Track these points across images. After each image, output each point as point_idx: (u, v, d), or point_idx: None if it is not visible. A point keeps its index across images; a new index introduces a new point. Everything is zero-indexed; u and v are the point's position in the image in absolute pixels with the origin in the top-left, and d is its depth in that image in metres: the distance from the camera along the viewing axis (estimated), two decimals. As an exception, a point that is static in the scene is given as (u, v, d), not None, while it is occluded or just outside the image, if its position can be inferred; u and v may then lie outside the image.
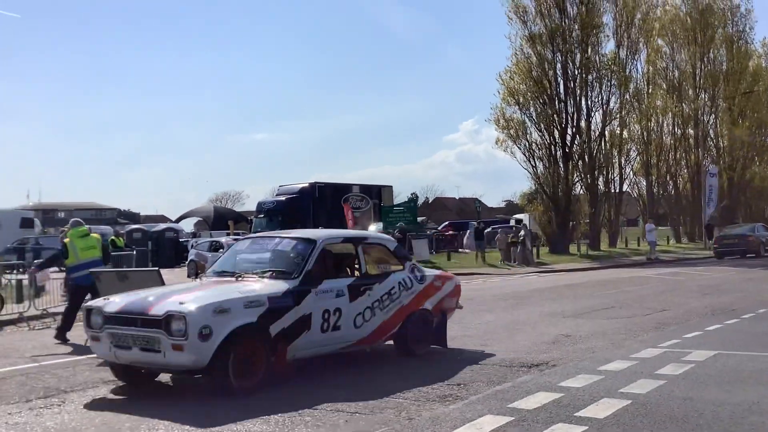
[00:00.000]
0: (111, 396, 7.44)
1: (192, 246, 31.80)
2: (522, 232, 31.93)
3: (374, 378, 8.03)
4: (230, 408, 6.71)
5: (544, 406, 6.52)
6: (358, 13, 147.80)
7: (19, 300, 16.56)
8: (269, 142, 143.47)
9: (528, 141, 38.26)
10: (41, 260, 13.33)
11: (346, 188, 40.00)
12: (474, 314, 14.01)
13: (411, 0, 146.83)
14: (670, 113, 47.89)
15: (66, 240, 12.14)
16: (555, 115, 38.18)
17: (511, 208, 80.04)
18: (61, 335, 11.46)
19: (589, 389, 7.15)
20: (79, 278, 11.70)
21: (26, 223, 44.83)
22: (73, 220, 12.69)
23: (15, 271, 21.13)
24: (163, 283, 10.35)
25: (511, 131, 38.05)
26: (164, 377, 8.23)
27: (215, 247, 28.87)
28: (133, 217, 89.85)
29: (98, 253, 12.12)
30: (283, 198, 38.11)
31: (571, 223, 39.12)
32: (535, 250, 33.98)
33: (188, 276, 28.72)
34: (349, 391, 7.39)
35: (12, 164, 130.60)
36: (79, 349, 10.39)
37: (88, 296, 11.21)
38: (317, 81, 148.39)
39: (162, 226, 45.56)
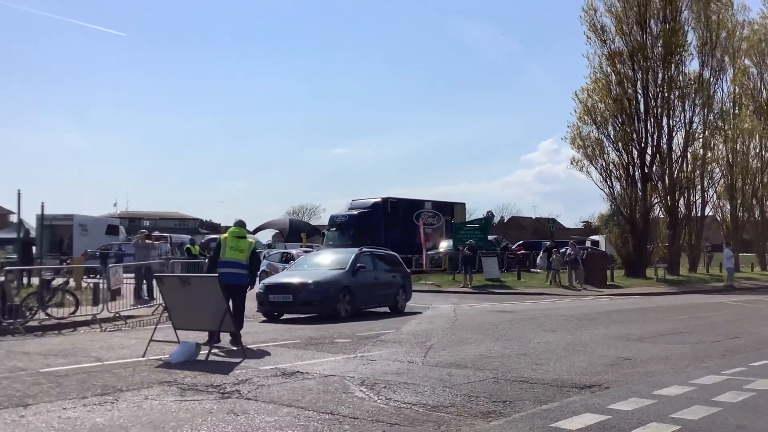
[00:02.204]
0: (163, 396, 7.65)
1: (264, 257, 32.39)
2: (570, 251, 31.07)
3: (421, 391, 8.00)
4: (265, 413, 6.82)
5: (587, 428, 6.37)
6: (440, 32, 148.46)
7: (95, 302, 17.26)
8: (348, 157, 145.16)
9: (605, 161, 37.51)
10: (208, 264, 13.09)
11: (418, 204, 40.03)
12: (535, 333, 13.85)
13: (493, 19, 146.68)
14: (757, 135, 45.95)
15: (223, 236, 12.42)
16: (634, 135, 37.30)
17: (589, 229, 78.52)
18: (236, 341, 11.36)
19: (638, 413, 6.94)
20: (221, 275, 11.61)
21: (112, 230, 46.71)
22: (237, 220, 12.88)
23: (98, 276, 22.05)
24: (221, 290, 10.64)
25: (588, 150, 37.37)
26: (215, 380, 8.44)
27: (286, 258, 29.37)
28: (214, 228, 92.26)
29: (243, 257, 12.14)
30: (356, 212, 38.39)
31: (648, 246, 38.00)
32: (609, 273, 33.16)
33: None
34: (394, 403, 7.40)
35: (102, 173, 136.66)
36: (142, 351, 10.71)
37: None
38: (398, 98, 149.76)
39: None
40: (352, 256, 18.40)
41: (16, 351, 11.18)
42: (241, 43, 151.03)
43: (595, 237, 52.02)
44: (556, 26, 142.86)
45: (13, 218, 41.15)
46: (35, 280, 18.28)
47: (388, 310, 18.71)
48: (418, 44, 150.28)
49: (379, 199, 38.82)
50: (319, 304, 16.75)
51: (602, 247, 43.78)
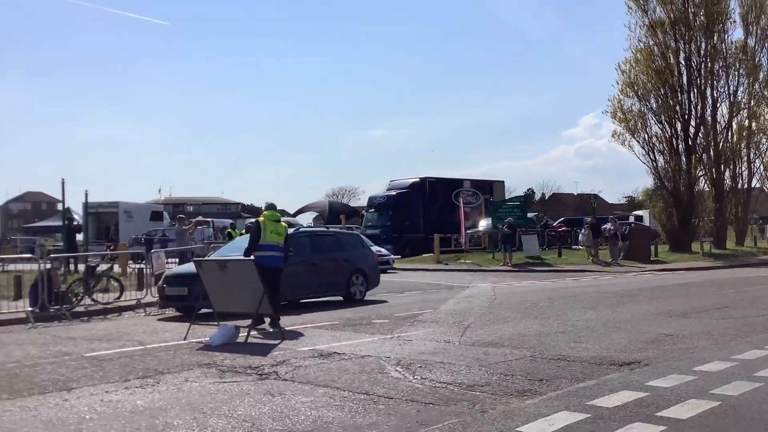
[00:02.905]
0: (203, 378, 7.78)
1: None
2: (610, 226, 30.63)
3: (457, 370, 8.00)
4: (301, 394, 6.90)
5: (624, 405, 6.29)
6: (477, 9, 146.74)
7: (140, 287, 17.62)
8: (388, 138, 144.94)
9: (647, 134, 36.74)
10: (248, 246, 12.83)
11: (457, 183, 39.84)
12: (575, 311, 13.72)
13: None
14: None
15: (261, 219, 12.49)
16: (677, 107, 36.48)
17: (632, 204, 77.38)
18: (274, 323, 11.45)
19: (677, 389, 6.84)
20: (261, 258, 11.75)
21: (156, 216, 47.40)
22: (268, 203, 13.01)
23: (143, 261, 22.52)
24: (259, 272, 10.76)
25: (630, 124, 36.66)
26: (253, 362, 8.55)
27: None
28: (255, 211, 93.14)
29: (281, 240, 12.29)
30: (394, 193, 38.38)
31: (694, 219, 37.24)
32: (653, 248, 32.66)
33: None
34: (429, 382, 7.42)
35: (146, 160, 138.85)
36: (183, 334, 10.90)
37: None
38: (436, 77, 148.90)
39: (279, 219, 46.97)
40: None
41: (62, 336, 11.48)
42: (279, 29, 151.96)
43: (638, 212, 51.24)
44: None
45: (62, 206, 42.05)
46: (81, 267, 18.72)
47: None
48: (455, 22, 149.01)
49: (418, 179, 38.76)
50: None
51: (646, 222, 43.15)
